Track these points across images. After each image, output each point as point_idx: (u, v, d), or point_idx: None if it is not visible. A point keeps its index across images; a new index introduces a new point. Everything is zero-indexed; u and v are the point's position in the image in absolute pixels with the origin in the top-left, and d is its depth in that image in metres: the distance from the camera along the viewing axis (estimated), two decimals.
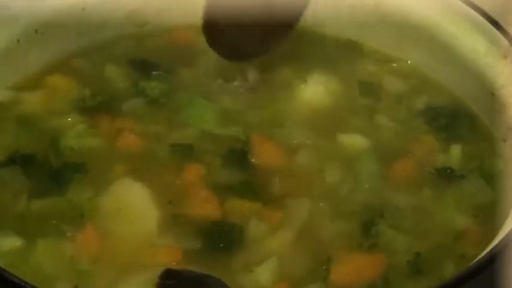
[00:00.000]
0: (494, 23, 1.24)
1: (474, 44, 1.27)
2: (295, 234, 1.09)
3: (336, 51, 1.39)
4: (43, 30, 1.29)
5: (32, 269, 1.04)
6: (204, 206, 1.11)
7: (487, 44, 1.25)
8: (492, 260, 0.94)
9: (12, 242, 1.06)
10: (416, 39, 1.35)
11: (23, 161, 1.16)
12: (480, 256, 0.95)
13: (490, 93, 1.23)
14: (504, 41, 1.23)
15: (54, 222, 1.09)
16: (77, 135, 1.20)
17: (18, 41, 1.26)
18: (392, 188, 1.16)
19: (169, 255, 1.06)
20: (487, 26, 1.25)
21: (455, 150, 1.21)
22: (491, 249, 0.95)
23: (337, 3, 1.38)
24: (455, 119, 1.27)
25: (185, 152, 1.19)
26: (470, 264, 0.95)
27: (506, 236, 0.96)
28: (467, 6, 1.28)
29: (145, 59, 1.34)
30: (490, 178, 1.17)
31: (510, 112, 1.20)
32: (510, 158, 1.18)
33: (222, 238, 1.08)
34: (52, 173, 1.15)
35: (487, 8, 1.27)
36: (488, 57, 1.25)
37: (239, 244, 1.08)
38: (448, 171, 1.18)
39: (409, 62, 1.36)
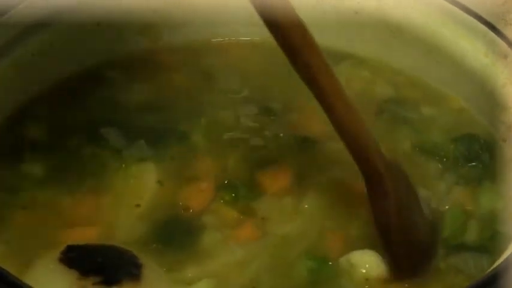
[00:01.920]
0: (491, 26, 1.24)
1: (473, 45, 1.27)
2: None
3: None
4: (58, 44, 1.30)
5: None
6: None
7: (486, 45, 1.25)
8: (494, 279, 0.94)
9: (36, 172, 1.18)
10: (413, 44, 1.34)
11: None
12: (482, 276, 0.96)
13: (488, 94, 1.24)
14: (504, 41, 1.23)
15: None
16: None
17: (32, 55, 1.27)
18: None
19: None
20: (485, 29, 1.25)
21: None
22: (493, 270, 0.96)
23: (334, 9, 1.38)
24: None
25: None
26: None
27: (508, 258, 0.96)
28: (462, 12, 1.27)
29: None
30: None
31: (510, 112, 1.20)
32: (510, 158, 1.17)
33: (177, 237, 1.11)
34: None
35: (487, 7, 1.26)
36: (488, 58, 1.25)
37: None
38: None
39: (405, 69, 1.36)
